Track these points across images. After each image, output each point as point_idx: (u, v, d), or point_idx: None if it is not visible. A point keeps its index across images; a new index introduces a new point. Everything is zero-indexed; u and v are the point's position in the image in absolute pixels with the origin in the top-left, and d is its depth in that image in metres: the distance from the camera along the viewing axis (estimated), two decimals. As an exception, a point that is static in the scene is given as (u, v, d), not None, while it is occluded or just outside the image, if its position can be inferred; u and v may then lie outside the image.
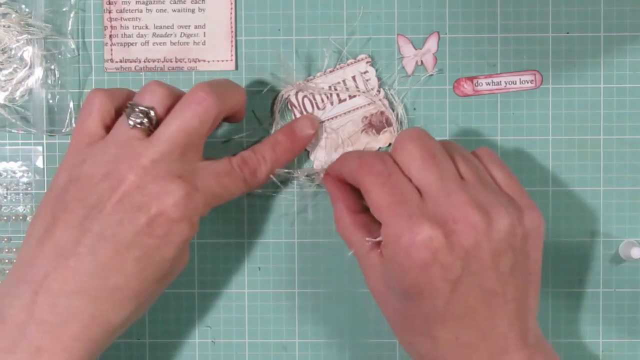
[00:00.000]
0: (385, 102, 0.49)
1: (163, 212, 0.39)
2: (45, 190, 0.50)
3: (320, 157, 0.49)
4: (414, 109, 0.49)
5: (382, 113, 0.49)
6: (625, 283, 0.49)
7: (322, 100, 0.49)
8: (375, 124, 0.49)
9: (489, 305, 0.38)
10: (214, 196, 0.42)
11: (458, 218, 0.37)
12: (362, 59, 0.49)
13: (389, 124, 0.49)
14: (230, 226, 0.50)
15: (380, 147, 0.49)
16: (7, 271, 0.50)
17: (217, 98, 0.41)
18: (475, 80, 0.49)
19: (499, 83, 0.49)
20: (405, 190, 0.39)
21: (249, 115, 0.49)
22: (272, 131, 0.49)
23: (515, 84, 0.49)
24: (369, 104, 0.49)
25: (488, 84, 0.49)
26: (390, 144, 0.49)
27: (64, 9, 0.49)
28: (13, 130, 0.50)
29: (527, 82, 0.49)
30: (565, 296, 0.49)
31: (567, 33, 0.49)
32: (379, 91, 0.49)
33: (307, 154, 0.49)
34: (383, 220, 0.39)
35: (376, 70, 0.49)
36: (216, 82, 0.44)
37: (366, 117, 0.49)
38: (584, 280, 0.49)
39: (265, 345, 0.50)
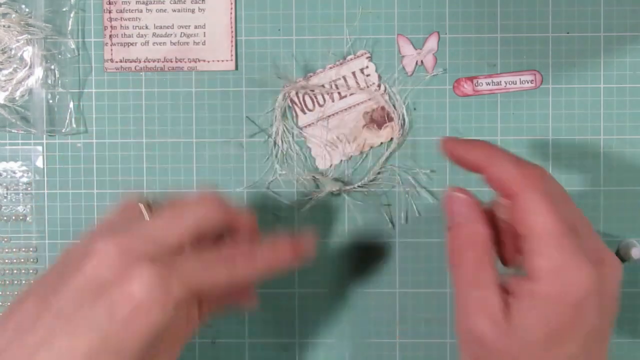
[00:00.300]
0: (386, 97, 0.49)
1: (128, 294, 0.33)
2: (45, 191, 0.50)
3: (323, 155, 0.49)
4: (414, 109, 0.49)
5: (383, 108, 0.49)
6: (625, 283, 0.49)
7: (323, 97, 0.49)
8: (377, 119, 0.49)
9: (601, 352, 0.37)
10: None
11: (606, 260, 0.36)
12: (362, 55, 0.49)
13: (390, 119, 0.49)
14: (230, 226, 0.50)
15: (382, 142, 0.49)
16: (7, 271, 0.50)
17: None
18: (475, 80, 0.49)
19: (499, 83, 0.49)
20: (575, 220, 0.36)
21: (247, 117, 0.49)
22: (273, 131, 0.49)
23: (515, 84, 0.49)
24: (369, 100, 0.49)
25: (488, 84, 0.49)
26: (391, 139, 0.49)
27: (64, 9, 0.49)
28: (13, 130, 0.50)
29: (527, 82, 0.49)
30: (565, 296, 0.49)
31: (567, 33, 0.49)
32: (379, 86, 0.49)
33: (310, 151, 0.49)
34: (541, 251, 0.35)
35: (376, 66, 0.49)
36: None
37: (367, 113, 0.49)
38: (584, 280, 0.49)
39: (265, 345, 0.50)
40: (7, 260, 0.50)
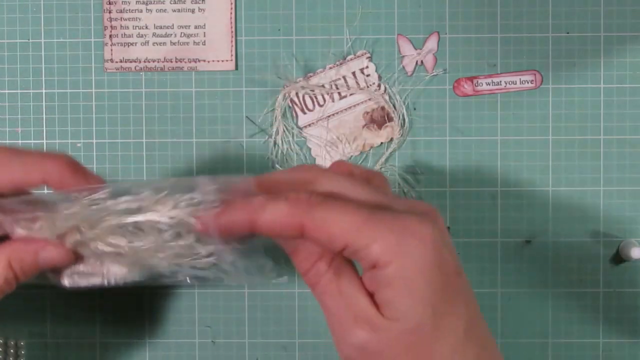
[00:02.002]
0: (386, 97, 0.49)
1: None
2: (45, 191, 0.50)
3: (323, 155, 0.49)
4: (414, 109, 0.49)
5: (383, 108, 0.49)
6: (625, 283, 0.49)
7: (323, 97, 0.49)
8: (377, 119, 0.49)
9: None
10: None
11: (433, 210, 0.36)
12: (362, 55, 0.49)
13: (390, 119, 0.49)
14: (230, 226, 0.50)
15: (382, 142, 0.49)
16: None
17: None
18: (475, 80, 0.49)
19: (499, 83, 0.49)
20: (379, 198, 0.35)
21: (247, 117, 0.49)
22: (273, 131, 0.49)
23: (515, 84, 0.49)
24: (369, 100, 0.49)
25: (488, 84, 0.49)
26: (391, 139, 0.49)
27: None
28: (13, 130, 0.50)
29: (527, 82, 0.49)
30: (565, 296, 0.49)
31: (567, 33, 0.49)
32: (379, 86, 0.49)
33: (310, 151, 0.49)
34: (367, 236, 0.33)
35: (376, 66, 0.49)
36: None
37: (367, 113, 0.49)
38: (584, 280, 0.49)
39: (265, 345, 0.50)
40: (7, 260, 0.50)
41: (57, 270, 0.37)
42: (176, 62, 0.49)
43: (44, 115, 0.50)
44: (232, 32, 0.49)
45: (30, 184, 0.37)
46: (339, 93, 0.49)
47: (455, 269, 0.35)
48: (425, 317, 0.33)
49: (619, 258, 0.49)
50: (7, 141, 0.50)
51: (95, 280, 0.37)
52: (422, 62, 0.49)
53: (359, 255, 0.33)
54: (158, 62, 0.49)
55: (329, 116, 0.49)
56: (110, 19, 0.49)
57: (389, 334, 0.33)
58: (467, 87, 0.49)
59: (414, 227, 0.33)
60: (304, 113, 0.49)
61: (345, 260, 0.36)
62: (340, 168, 0.39)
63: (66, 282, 0.37)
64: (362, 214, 0.33)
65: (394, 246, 0.33)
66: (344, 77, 0.49)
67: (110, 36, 0.49)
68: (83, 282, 0.37)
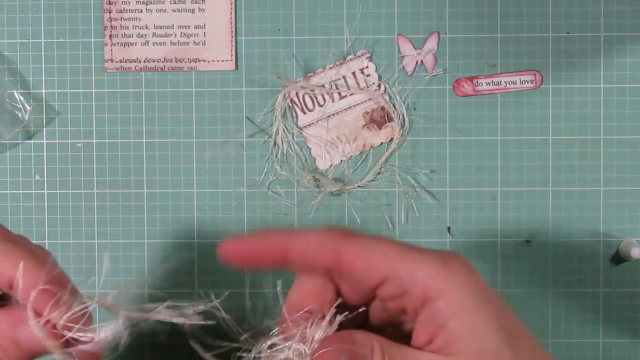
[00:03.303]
0: (386, 97, 0.49)
1: None
2: (45, 190, 0.50)
3: (323, 155, 0.49)
4: (414, 109, 0.49)
5: (383, 108, 0.49)
6: (625, 283, 0.49)
7: (323, 97, 0.49)
8: (377, 119, 0.49)
9: None
10: None
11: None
12: (362, 55, 0.49)
13: (390, 119, 0.49)
14: (229, 226, 0.50)
15: (382, 142, 0.49)
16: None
17: None
18: (475, 80, 0.49)
19: (499, 83, 0.49)
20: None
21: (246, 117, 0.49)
22: (273, 131, 0.49)
23: (515, 84, 0.49)
24: (369, 100, 0.49)
25: (488, 84, 0.49)
26: (391, 139, 0.49)
27: None
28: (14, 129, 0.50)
29: (527, 82, 0.49)
30: (565, 296, 0.49)
31: (567, 33, 0.49)
32: (379, 86, 0.49)
33: (310, 151, 0.49)
34: (411, 263, 0.29)
35: (376, 66, 0.49)
36: None
37: (367, 113, 0.49)
38: (584, 280, 0.49)
39: (265, 345, 0.50)
40: (7, 260, 0.50)
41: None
42: (176, 62, 0.49)
43: (44, 115, 0.49)
44: (232, 32, 0.49)
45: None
46: (339, 93, 0.49)
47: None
48: (503, 341, 0.29)
49: (619, 258, 0.49)
50: (8, 141, 0.50)
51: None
52: (422, 62, 0.49)
53: (403, 287, 0.29)
54: (158, 62, 0.49)
55: (329, 116, 0.49)
56: (110, 19, 0.49)
57: None
58: (467, 87, 0.49)
59: (447, 254, 0.30)
60: (304, 113, 0.49)
61: (388, 342, 0.30)
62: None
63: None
64: (400, 244, 0.29)
65: (441, 271, 0.29)
66: (344, 77, 0.49)
67: (110, 36, 0.49)
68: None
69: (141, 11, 0.49)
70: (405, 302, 0.29)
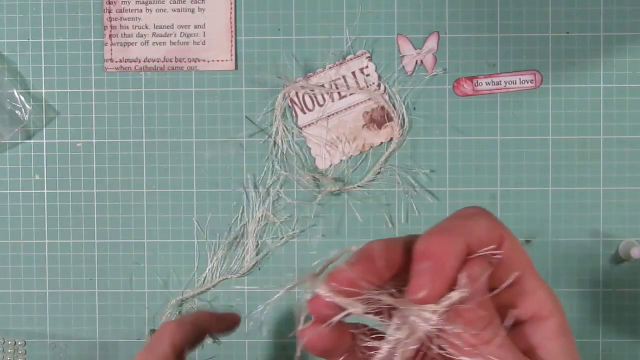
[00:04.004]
0: (386, 97, 0.49)
1: None
2: (45, 190, 0.50)
3: (323, 155, 0.49)
4: (414, 109, 0.49)
5: (383, 108, 0.49)
6: (625, 283, 0.49)
7: (323, 97, 0.49)
8: (377, 119, 0.49)
9: None
10: None
11: None
12: (362, 55, 0.49)
13: (390, 119, 0.49)
14: (229, 226, 0.50)
15: (382, 142, 0.49)
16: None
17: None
18: (475, 80, 0.49)
19: (499, 83, 0.49)
20: None
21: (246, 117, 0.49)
22: (273, 131, 0.49)
23: (515, 84, 0.49)
24: (369, 100, 0.49)
25: (488, 84, 0.49)
26: (391, 139, 0.49)
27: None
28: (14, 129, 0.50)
29: (527, 82, 0.49)
30: (565, 296, 0.49)
31: (567, 33, 0.49)
32: (379, 86, 0.49)
33: (310, 151, 0.49)
34: (535, 281, 0.31)
35: (376, 66, 0.49)
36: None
37: (367, 113, 0.49)
38: (584, 280, 0.49)
39: (266, 345, 0.50)
40: (7, 260, 0.50)
41: None
42: (176, 62, 0.49)
43: (44, 115, 0.49)
44: (232, 32, 0.49)
45: None
46: (339, 93, 0.49)
47: None
48: None
49: (619, 258, 0.49)
50: (8, 142, 0.50)
51: None
52: (422, 62, 0.49)
53: (521, 298, 0.30)
54: (158, 62, 0.49)
55: (329, 116, 0.49)
56: (110, 19, 0.49)
57: None
58: (467, 87, 0.49)
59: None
60: (304, 113, 0.49)
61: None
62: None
63: None
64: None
65: (554, 298, 0.31)
66: (344, 77, 0.49)
67: (110, 36, 0.49)
68: None
69: (141, 11, 0.49)
70: (517, 306, 0.31)
